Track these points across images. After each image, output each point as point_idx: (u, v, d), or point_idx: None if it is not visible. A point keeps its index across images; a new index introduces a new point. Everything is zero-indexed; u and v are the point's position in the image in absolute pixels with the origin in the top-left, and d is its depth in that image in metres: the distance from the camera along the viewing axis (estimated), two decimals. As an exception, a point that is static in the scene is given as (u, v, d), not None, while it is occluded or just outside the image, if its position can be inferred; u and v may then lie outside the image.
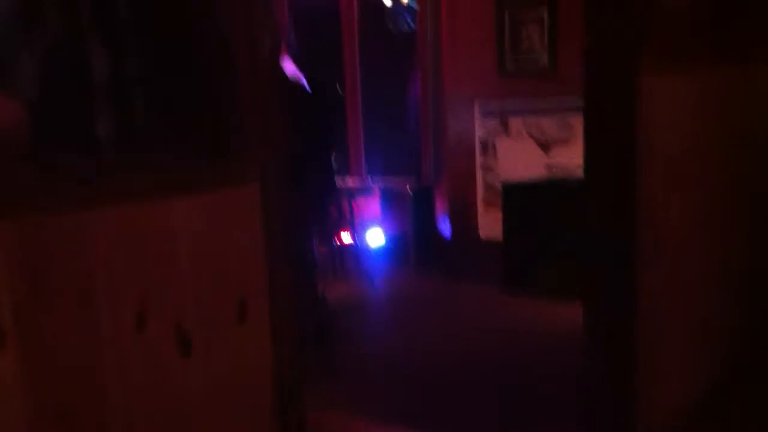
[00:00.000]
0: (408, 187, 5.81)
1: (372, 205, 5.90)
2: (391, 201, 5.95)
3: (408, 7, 6.26)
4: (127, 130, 1.55)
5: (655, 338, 2.40)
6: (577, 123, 4.82)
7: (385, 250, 5.81)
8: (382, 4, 6.20)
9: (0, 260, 1.18)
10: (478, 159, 5.48)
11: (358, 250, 5.56)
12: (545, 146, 5.20)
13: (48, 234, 1.28)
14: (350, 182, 6.12)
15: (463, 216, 5.61)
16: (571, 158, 5.02)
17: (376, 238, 5.76)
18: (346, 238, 5.54)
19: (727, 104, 2.76)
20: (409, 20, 6.20)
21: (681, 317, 2.58)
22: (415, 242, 5.75)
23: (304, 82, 5.23)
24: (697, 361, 2.73)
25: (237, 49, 1.60)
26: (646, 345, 2.33)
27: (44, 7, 1.54)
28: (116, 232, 1.41)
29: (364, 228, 5.72)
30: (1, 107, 1.39)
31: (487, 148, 5.44)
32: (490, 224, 5.42)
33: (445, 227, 5.78)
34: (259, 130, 1.66)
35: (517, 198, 4.96)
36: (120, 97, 1.59)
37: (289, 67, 5.27)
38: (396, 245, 5.83)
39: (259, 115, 1.66)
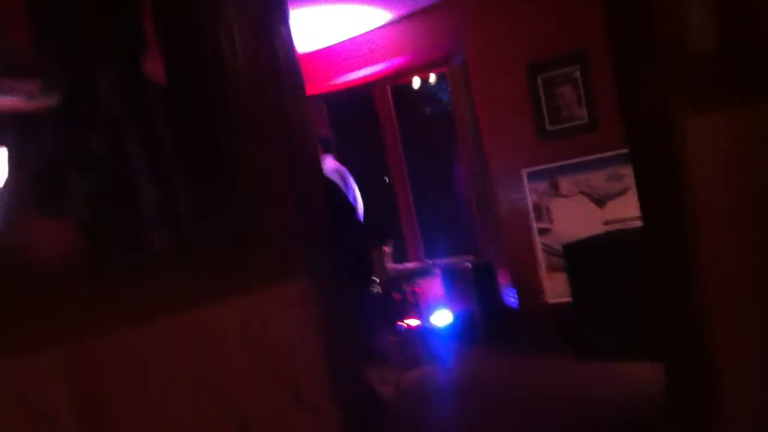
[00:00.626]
0: (468, 263, 5.78)
1: (435, 287, 5.87)
2: (453, 280, 5.92)
3: (438, 86, 6.41)
4: (176, 240, 1.61)
5: (735, 393, 2.30)
6: (628, 174, 4.76)
7: (453, 330, 5.74)
8: (413, 89, 6.36)
9: (59, 381, 1.22)
10: (534, 224, 5.45)
11: (426, 332, 5.51)
12: (600, 201, 5.14)
13: (105, 352, 1.32)
14: (410, 266, 6.12)
15: (528, 284, 5.53)
16: (628, 210, 4.95)
17: (442, 318, 5.71)
18: (412, 322, 5.50)
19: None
20: (443, 99, 6.33)
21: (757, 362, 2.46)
22: (482, 318, 5.67)
23: (348, 176, 5.35)
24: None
25: (276, 148, 1.66)
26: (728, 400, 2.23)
27: (93, 135, 1.62)
28: (170, 342, 1.44)
29: (430, 310, 5.69)
30: (55, 233, 1.47)
31: (542, 211, 5.41)
32: (556, 288, 5.33)
33: (511, 298, 5.70)
34: (302, 226, 1.69)
35: (580, 258, 4.88)
36: (167, 212, 1.65)
37: (330, 163, 5.39)
38: (463, 324, 5.76)
39: (302, 210, 1.70)
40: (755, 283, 2.48)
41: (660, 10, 2.27)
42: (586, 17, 4.82)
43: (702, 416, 2.23)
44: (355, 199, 5.35)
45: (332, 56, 6.17)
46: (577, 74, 5.10)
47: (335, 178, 5.15)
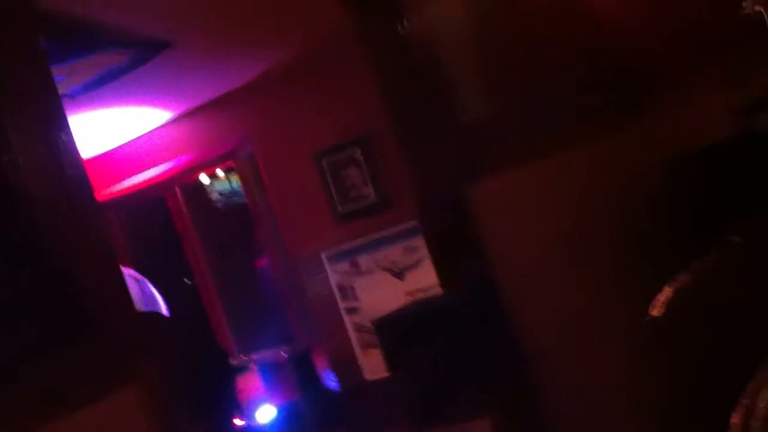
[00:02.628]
0: (284, 353, 5.71)
1: (253, 383, 5.72)
2: (271, 373, 5.81)
3: (228, 180, 6.42)
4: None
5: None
6: (422, 245, 5.00)
7: (279, 425, 5.60)
8: (204, 187, 6.31)
9: None
10: (341, 305, 5.52)
11: (251, 431, 5.33)
12: (400, 274, 5.33)
13: None
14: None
15: (345, 365, 5.56)
16: (427, 279, 5.16)
17: (266, 414, 5.56)
18: (236, 422, 5.29)
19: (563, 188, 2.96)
20: (234, 192, 6.33)
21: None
22: (306, 407, 5.59)
23: (143, 280, 5.16)
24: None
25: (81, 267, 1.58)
26: None
27: None
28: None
29: (253, 407, 5.51)
30: None
31: (346, 291, 5.51)
32: (373, 364, 5.40)
33: (331, 382, 5.69)
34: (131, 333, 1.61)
35: (391, 331, 4.99)
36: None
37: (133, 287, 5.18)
38: (289, 416, 5.64)
39: (118, 319, 1.62)
40: (565, 326, 2.69)
41: (431, 87, 2.46)
42: (365, 104, 5.07)
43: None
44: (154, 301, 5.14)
45: (116, 160, 5.98)
46: (359, 155, 5.34)
47: (130, 284, 4.94)
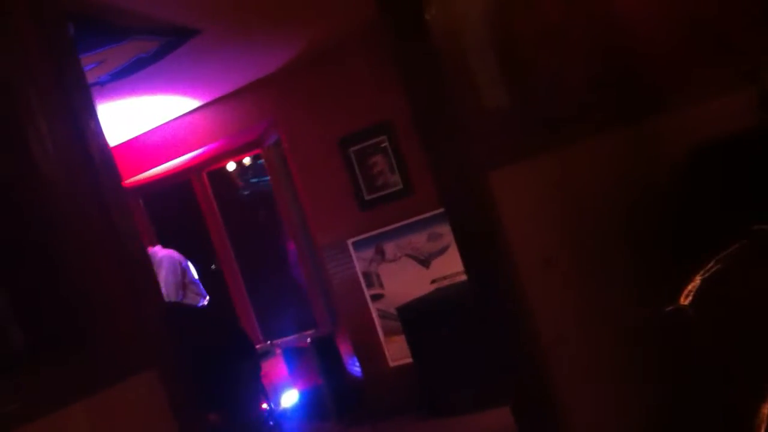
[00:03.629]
0: (308, 339, 5.77)
1: (278, 368, 5.79)
2: (295, 358, 5.87)
3: (255, 166, 6.47)
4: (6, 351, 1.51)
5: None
6: (447, 231, 5.02)
7: (302, 409, 5.67)
8: (230, 172, 6.37)
9: None
10: (366, 292, 5.56)
11: (275, 415, 5.40)
12: (425, 261, 5.36)
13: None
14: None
15: (369, 351, 5.60)
16: (452, 266, 5.18)
17: (290, 399, 5.63)
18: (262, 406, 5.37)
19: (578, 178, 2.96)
20: (261, 179, 6.38)
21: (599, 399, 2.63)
22: (329, 392, 5.65)
23: (187, 264, 5.24)
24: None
25: (99, 243, 1.62)
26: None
27: None
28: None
29: (277, 392, 5.59)
30: None
31: (372, 278, 5.54)
32: (396, 351, 5.44)
33: (354, 368, 5.74)
34: (140, 319, 1.65)
35: (415, 318, 5.03)
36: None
37: (161, 251, 5.25)
38: (311, 401, 5.70)
39: (138, 303, 1.66)
40: (580, 318, 2.69)
41: (451, 75, 2.47)
42: (389, 91, 5.09)
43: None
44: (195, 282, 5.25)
45: (144, 147, 6.06)
46: (386, 144, 5.35)
47: (167, 265, 5.05)
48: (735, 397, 1.70)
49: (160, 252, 5.31)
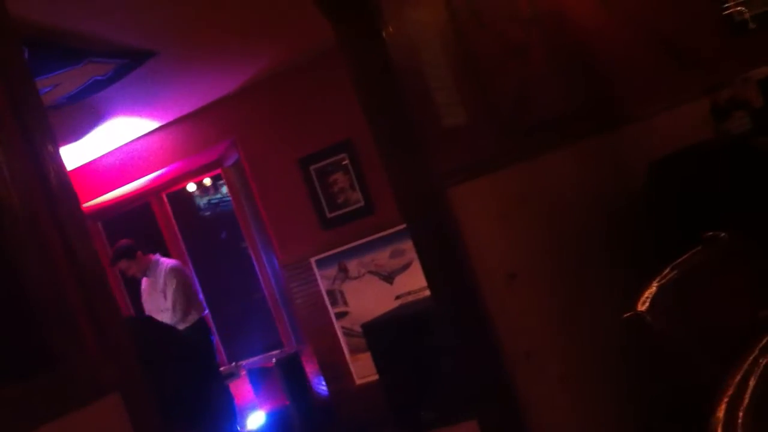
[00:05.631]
0: (273, 360, 5.73)
1: (243, 389, 5.74)
2: (261, 379, 5.82)
3: (216, 186, 6.43)
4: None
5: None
6: (410, 248, 5.04)
7: (270, 430, 5.62)
8: (191, 195, 6.32)
9: None
10: (331, 310, 5.55)
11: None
12: (388, 278, 5.37)
13: None
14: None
15: (335, 369, 5.59)
16: (415, 282, 5.20)
17: (256, 420, 5.57)
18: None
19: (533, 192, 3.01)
20: (222, 200, 6.35)
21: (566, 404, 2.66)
22: (296, 413, 5.60)
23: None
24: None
25: (60, 268, 1.60)
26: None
27: None
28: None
29: (243, 414, 5.53)
30: None
31: (336, 296, 5.53)
32: (362, 368, 5.43)
33: (321, 387, 5.71)
34: (104, 342, 1.63)
35: (380, 335, 5.03)
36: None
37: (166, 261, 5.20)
38: (279, 421, 5.65)
39: (100, 327, 1.64)
40: (546, 331, 2.72)
41: (410, 93, 2.50)
42: (349, 110, 5.10)
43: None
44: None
45: (102, 170, 5.99)
46: (347, 162, 5.37)
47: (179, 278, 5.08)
48: (692, 399, 1.74)
49: (165, 262, 5.27)
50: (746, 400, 1.29)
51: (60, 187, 1.72)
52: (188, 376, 4.08)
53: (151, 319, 4.81)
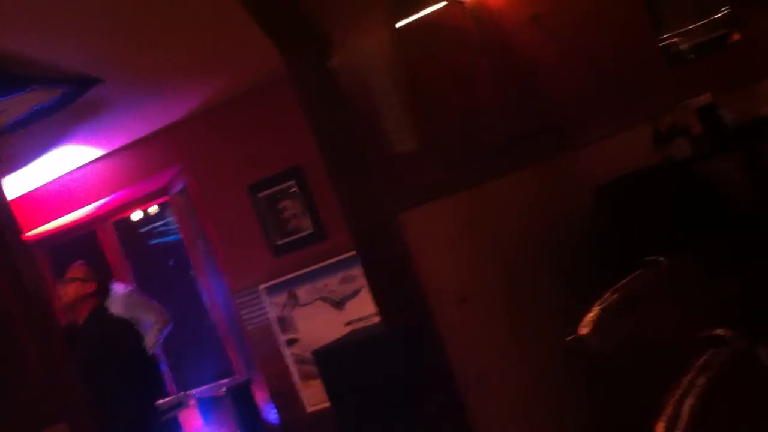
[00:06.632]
0: (223, 389, 5.65)
1: (192, 418, 5.64)
2: (211, 408, 5.73)
3: (164, 213, 6.35)
4: None
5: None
6: (360, 274, 5.04)
7: (220, 460, 5.53)
8: (137, 223, 6.24)
9: None
10: (281, 337, 5.51)
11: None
12: (339, 304, 5.36)
13: None
14: (161, 402, 5.82)
15: (285, 397, 5.53)
16: (365, 308, 5.20)
17: (206, 451, 5.48)
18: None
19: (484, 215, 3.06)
20: (170, 227, 6.27)
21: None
22: (247, 442, 5.53)
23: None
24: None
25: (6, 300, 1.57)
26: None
27: None
28: None
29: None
30: None
31: (286, 323, 5.50)
32: (313, 396, 5.39)
33: (271, 415, 5.64)
34: (52, 375, 1.60)
35: (330, 362, 4.99)
36: None
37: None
38: (229, 451, 5.57)
39: (49, 359, 1.61)
40: (498, 355, 2.76)
41: (359, 121, 2.53)
42: (298, 136, 5.12)
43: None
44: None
45: (47, 198, 5.87)
46: (295, 189, 5.37)
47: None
48: (633, 418, 1.78)
49: (120, 289, 5.16)
50: (684, 420, 1.33)
51: (1, 215, 1.69)
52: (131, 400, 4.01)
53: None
